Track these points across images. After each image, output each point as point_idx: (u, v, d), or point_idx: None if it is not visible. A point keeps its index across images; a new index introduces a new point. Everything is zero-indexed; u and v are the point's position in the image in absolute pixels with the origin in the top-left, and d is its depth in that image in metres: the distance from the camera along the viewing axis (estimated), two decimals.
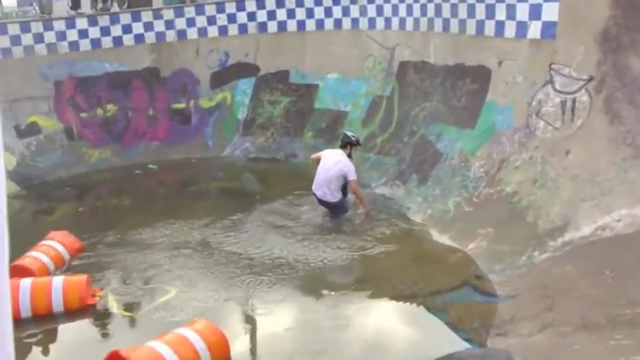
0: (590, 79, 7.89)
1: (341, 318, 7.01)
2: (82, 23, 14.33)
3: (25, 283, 7.36)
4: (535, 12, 8.85)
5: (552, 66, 8.45)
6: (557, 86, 8.36)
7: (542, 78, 8.61)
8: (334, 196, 9.72)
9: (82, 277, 7.66)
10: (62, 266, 8.71)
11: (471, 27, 10.16)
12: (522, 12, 9.10)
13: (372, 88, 12.89)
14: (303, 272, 8.05)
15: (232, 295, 7.59)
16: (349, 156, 9.76)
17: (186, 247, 9.16)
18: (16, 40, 13.88)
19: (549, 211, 7.75)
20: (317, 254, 8.52)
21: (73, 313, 7.36)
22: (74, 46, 14.31)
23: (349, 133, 10.03)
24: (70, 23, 14.29)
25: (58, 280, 7.52)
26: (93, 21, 14.41)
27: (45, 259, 8.44)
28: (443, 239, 8.81)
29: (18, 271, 7.75)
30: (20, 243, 9.18)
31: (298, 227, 9.57)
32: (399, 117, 11.73)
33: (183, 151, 14.48)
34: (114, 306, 7.59)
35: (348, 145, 9.83)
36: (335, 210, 9.78)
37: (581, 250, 7.03)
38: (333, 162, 9.68)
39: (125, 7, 15.20)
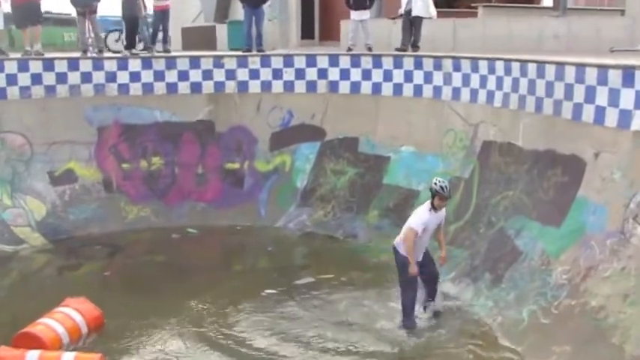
0: None
1: None
2: (134, 65, 15.03)
3: (32, 356, 7.53)
4: None
5: None
6: None
7: None
8: (400, 249, 9.62)
9: (96, 356, 7.82)
10: (78, 340, 8.95)
11: (567, 110, 10.26)
12: (627, 99, 9.16)
13: (449, 168, 12.98)
14: None
15: None
16: (433, 208, 9.50)
17: (218, 334, 9.51)
18: (61, 78, 14.61)
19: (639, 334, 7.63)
20: None
21: None
22: (124, 89, 14.97)
23: (434, 180, 9.62)
24: (123, 64, 15.00)
25: (68, 358, 7.66)
26: (147, 64, 15.10)
27: (60, 329, 8.66)
28: (511, 353, 8.75)
29: (27, 340, 7.95)
30: (39, 304, 9.63)
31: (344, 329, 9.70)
32: (477, 204, 11.78)
33: (232, 216, 14.74)
34: None
35: (432, 195, 9.55)
36: (398, 269, 9.75)
37: None
38: None
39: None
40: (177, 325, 9.75)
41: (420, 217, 9.49)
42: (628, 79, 9.16)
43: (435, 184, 9.37)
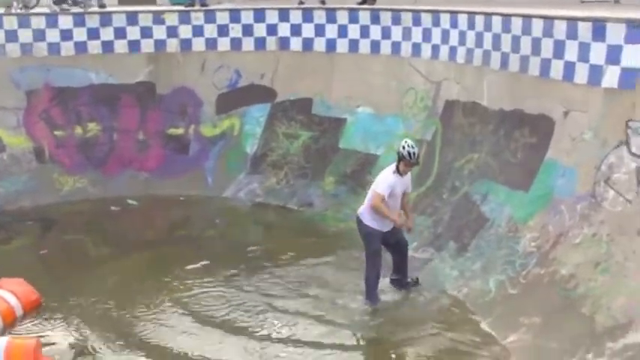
0: None
1: None
2: (65, 22, 14.64)
3: None
4: (614, 55, 8.91)
5: (630, 123, 8.47)
6: (634, 149, 8.38)
7: (616, 137, 8.64)
8: (365, 219, 9.55)
9: (31, 342, 7.69)
10: (12, 324, 8.82)
11: (534, 66, 10.26)
12: (598, 54, 9.16)
13: (410, 129, 12.95)
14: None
15: None
16: (398, 172, 9.38)
17: (163, 312, 9.43)
18: None
19: (611, 304, 7.72)
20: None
21: None
22: (54, 49, 14.60)
23: (403, 142, 9.41)
24: (52, 21, 14.60)
25: (0, 343, 7.53)
26: (79, 20, 14.71)
27: None
28: (477, 326, 8.81)
29: None
30: None
31: (304, 305, 9.67)
32: (440, 168, 11.81)
33: (177, 186, 14.59)
34: None
35: (398, 158, 9.41)
36: (363, 240, 9.69)
37: None
38: None
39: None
40: (118, 304, 9.62)
41: (386, 179, 9.34)
42: (598, 32, 9.14)
43: (404, 147, 9.20)
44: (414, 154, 9.17)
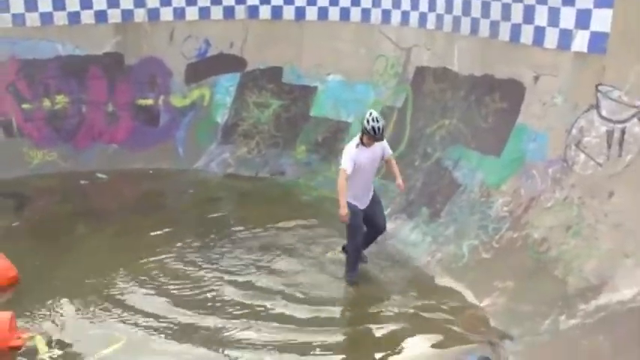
0: None
1: None
2: None
3: None
4: (583, 19, 8.94)
5: (600, 87, 8.53)
6: (604, 112, 8.44)
7: (586, 101, 8.70)
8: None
9: (6, 314, 7.67)
10: None
11: (504, 31, 10.26)
12: (567, 18, 9.18)
13: (381, 97, 13.00)
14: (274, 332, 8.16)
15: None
16: (362, 143, 8.99)
17: (138, 284, 9.38)
18: None
19: (583, 266, 7.83)
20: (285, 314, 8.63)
21: None
22: (19, 19, 14.32)
23: (368, 115, 8.94)
24: None
25: None
26: None
27: None
28: (452, 291, 8.89)
29: None
30: None
31: (273, 276, 9.67)
32: (411, 135, 11.83)
33: (148, 158, 14.53)
34: (44, 352, 7.64)
35: (362, 131, 9.01)
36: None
37: (618, 318, 7.09)
38: None
39: None
40: (106, 271, 9.67)
41: (348, 153, 8.97)
42: None
43: (368, 122, 8.77)
44: (378, 128, 8.75)
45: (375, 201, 9.42)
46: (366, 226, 9.44)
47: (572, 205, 8.41)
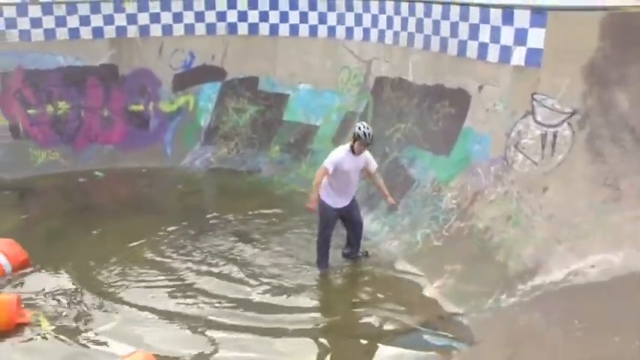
0: (574, 113, 8.03)
1: None
2: (34, 11, 14.23)
3: None
4: (520, 37, 9.00)
5: (535, 96, 8.58)
6: (539, 118, 8.50)
7: (523, 108, 8.75)
8: (321, 193, 9.12)
9: (12, 297, 7.60)
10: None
11: (452, 47, 10.29)
12: (507, 36, 9.23)
13: (345, 103, 12.99)
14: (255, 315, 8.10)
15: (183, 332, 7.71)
16: (352, 151, 8.87)
17: (134, 269, 9.34)
18: None
19: (521, 252, 7.89)
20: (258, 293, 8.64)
21: None
22: (25, 35, 14.23)
23: (360, 124, 8.96)
24: (22, 10, 14.18)
25: None
26: (48, 9, 14.32)
27: None
28: (408, 275, 8.92)
29: None
30: None
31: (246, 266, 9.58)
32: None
33: (139, 158, 14.41)
34: (47, 327, 7.57)
35: (353, 137, 8.89)
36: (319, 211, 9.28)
37: (551, 296, 7.16)
38: None
39: None
40: (105, 259, 9.63)
41: (334, 155, 8.89)
42: (507, 17, 9.22)
43: (359, 128, 8.75)
44: (369, 134, 8.69)
45: (353, 205, 9.35)
46: (344, 225, 9.46)
47: (512, 198, 8.46)
